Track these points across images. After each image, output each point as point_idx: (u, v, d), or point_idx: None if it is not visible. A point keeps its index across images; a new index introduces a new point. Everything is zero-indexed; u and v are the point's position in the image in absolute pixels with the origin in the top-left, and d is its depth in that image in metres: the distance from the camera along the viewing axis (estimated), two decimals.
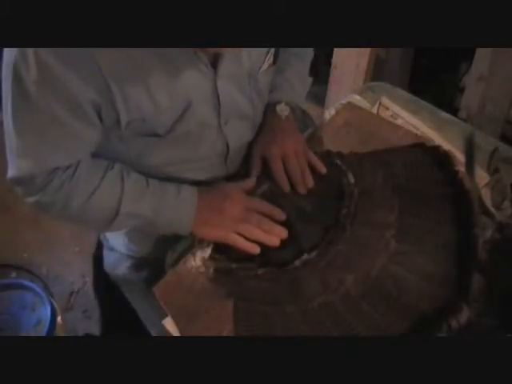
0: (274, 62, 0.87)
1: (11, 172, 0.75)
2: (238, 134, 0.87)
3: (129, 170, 0.81)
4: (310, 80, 1.03)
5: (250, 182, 0.85)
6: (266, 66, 0.84)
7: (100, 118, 0.73)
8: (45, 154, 0.73)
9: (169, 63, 0.70)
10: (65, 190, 0.76)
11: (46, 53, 0.64)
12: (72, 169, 0.76)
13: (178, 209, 0.80)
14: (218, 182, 0.87)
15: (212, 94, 0.78)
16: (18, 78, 0.67)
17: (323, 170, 0.87)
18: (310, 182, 0.86)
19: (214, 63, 0.75)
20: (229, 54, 0.75)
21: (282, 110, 0.91)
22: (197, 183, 0.91)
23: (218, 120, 0.82)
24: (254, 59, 0.81)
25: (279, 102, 0.91)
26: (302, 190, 0.85)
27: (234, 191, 0.82)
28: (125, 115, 0.72)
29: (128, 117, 0.73)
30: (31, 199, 0.77)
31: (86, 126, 0.73)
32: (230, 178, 0.95)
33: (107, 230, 0.83)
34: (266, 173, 0.88)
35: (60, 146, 0.73)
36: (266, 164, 0.88)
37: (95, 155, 0.83)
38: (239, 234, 0.78)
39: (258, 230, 0.78)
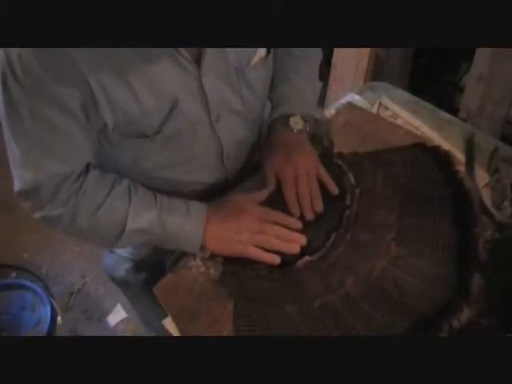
0: (268, 54, 0.84)
1: (16, 185, 0.74)
2: (230, 131, 0.86)
3: (136, 186, 0.80)
4: (320, 85, 0.99)
5: (263, 194, 0.83)
6: (256, 59, 0.82)
7: (89, 122, 0.72)
8: (44, 162, 0.72)
9: (150, 62, 0.69)
10: (71, 203, 0.75)
11: (29, 59, 0.64)
12: (79, 182, 0.76)
13: (185, 227, 0.78)
14: (230, 195, 0.85)
15: (199, 90, 0.76)
16: (6, 87, 0.66)
17: (335, 190, 0.84)
18: (319, 207, 0.82)
19: (198, 59, 0.73)
20: (212, 50, 0.73)
21: (296, 123, 0.88)
22: (197, 185, 0.90)
23: (208, 117, 0.80)
24: (241, 53, 0.79)
25: (291, 115, 0.88)
26: (309, 217, 0.82)
27: (247, 203, 0.81)
28: (110, 118, 0.72)
29: (114, 120, 0.72)
30: (38, 214, 0.76)
31: (79, 128, 0.72)
32: (232, 183, 0.95)
33: (117, 246, 0.81)
34: (279, 193, 0.85)
35: (57, 152, 0.72)
36: (279, 184, 0.86)
37: (101, 168, 0.82)
38: (257, 246, 0.77)
39: (277, 240, 0.78)
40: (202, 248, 0.79)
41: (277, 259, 0.77)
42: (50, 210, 0.75)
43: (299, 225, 0.80)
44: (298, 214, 0.82)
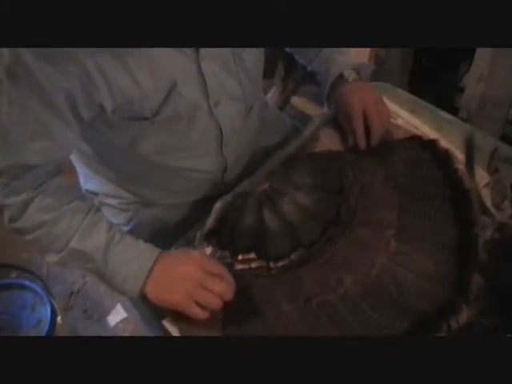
0: None
1: None
2: (230, 117, 0.86)
3: (98, 210, 0.78)
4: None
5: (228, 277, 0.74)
6: None
7: (76, 116, 0.71)
8: (15, 149, 0.70)
9: None
10: (26, 195, 0.72)
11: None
12: (42, 179, 0.73)
13: (130, 265, 0.73)
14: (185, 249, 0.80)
15: (197, 74, 0.77)
16: None
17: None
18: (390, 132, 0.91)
19: None
20: None
21: (349, 75, 0.94)
22: (195, 173, 0.90)
23: (207, 102, 0.81)
24: None
25: (343, 71, 0.94)
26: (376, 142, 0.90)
27: (196, 252, 0.75)
28: (109, 102, 0.71)
29: (113, 103, 0.72)
30: None
31: (59, 122, 0.70)
32: (230, 172, 0.95)
33: (58, 264, 0.76)
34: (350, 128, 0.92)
35: (31, 143, 0.70)
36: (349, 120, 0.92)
37: (85, 163, 0.82)
38: (195, 300, 0.71)
39: (217, 300, 0.71)
40: (140, 294, 0.73)
41: (206, 315, 0.71)
42: (3, 196, 0.72)
43: (232, 292, 0.72)
44: (363, 145, 0.90)
